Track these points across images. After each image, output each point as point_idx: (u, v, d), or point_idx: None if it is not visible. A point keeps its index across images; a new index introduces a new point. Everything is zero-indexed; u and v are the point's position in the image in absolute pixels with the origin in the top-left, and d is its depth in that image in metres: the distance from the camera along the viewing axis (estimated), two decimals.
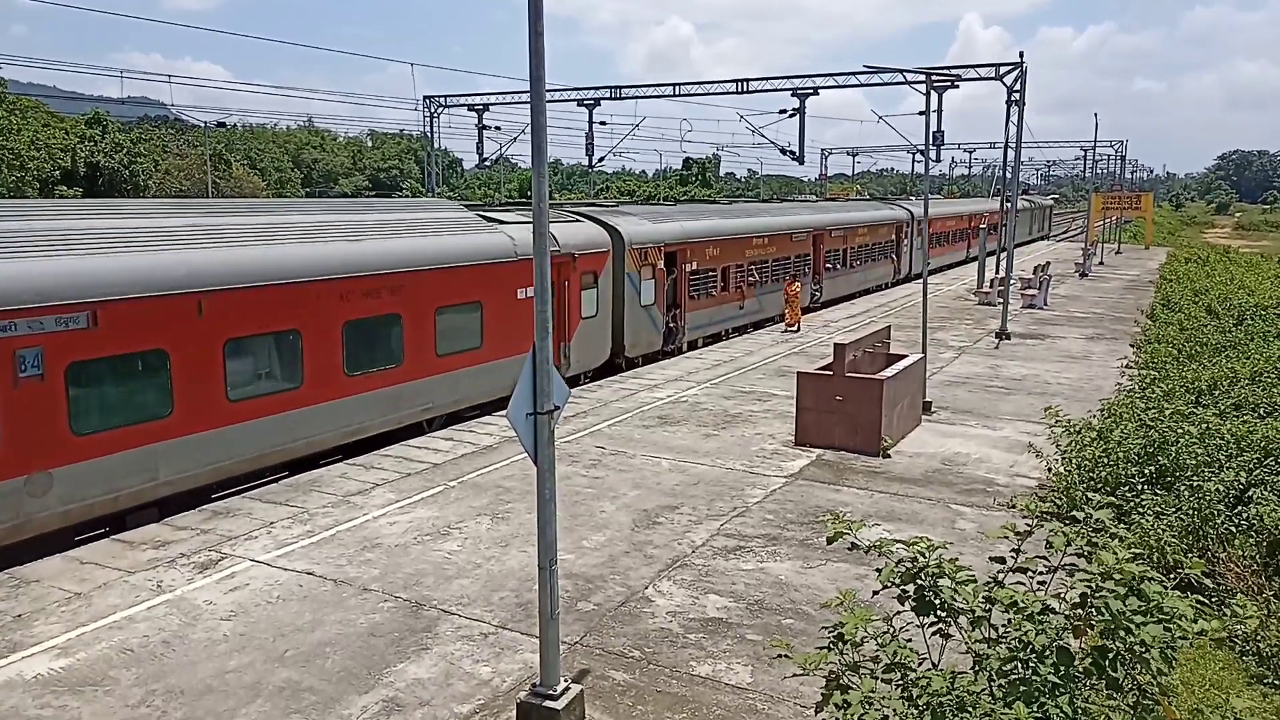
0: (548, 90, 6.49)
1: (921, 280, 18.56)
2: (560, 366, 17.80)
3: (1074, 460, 11.70)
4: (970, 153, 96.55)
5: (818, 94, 42.93)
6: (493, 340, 17.01)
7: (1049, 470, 12.31)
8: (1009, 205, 30.84)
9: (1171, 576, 6.77)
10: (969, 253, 52.79)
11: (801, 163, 46.30)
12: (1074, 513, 5.87)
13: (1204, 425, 11.72)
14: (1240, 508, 10.05)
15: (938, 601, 5.16)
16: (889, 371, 14.73)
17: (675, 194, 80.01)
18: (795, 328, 26.48)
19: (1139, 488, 10.66)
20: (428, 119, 53.24)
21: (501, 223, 17.99)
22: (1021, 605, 5.01)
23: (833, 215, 35.62)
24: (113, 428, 11.28)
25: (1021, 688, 4.78)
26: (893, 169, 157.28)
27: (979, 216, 55.77)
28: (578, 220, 20.62)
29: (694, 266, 24.58)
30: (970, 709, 4.74)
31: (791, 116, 43.23)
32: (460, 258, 16.32)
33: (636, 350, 22.13)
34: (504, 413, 7.44)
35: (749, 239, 27.97)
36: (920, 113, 18.54)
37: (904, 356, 15.99)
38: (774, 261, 29.40)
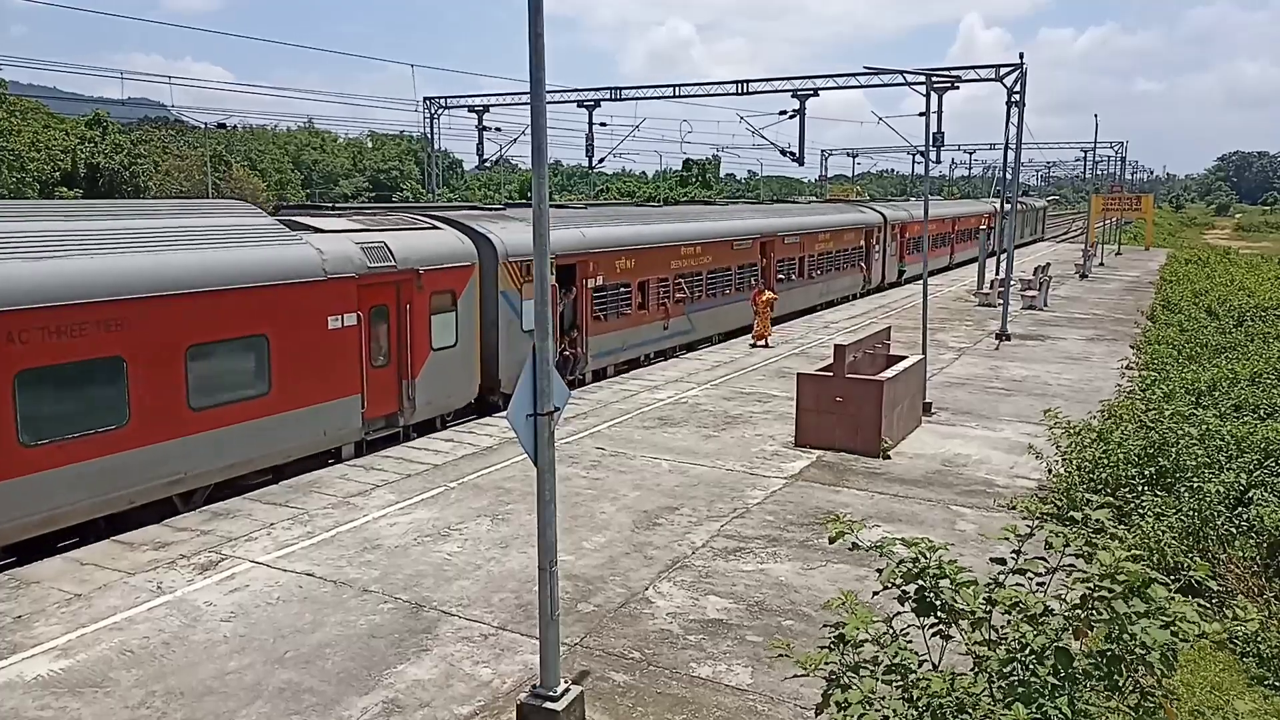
0: (548, 91, 6.50)
1: (921, 283, 18.56)
2: (401, 411, 15.28)
3: (1074, 461, 11.70)
4: (970, 154, 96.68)
5: (818, 95, 43.04)
6: (288, 384, 13.22)
7: (1049, 471, 12.31)
8: (1006, 206, 30.85)
9: (1172, 578, 6.77)
10: (951, 259, 50.54)
11: (801, 164, 46.40)
12: (1074, 514, 5.87)
13: (1204, 426, 11.72)
14: (1240, 509, 10.05)
15: (938, 603, 5.16)
16: (889, 373, 14.73)
17: (675, 195, 80.00)
18: (764, 342, 23.86)
19: (1139, 489, 10.66)
20: (428, 120, 53.33)
21: (316, 230, 14.57)
22: (1022, 606, 5.01)
23: (786, 219, 31.46)
24: None
25: (1021, 689, 4.78)
26: (893, 170, 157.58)
27: (965, 219, 54.08)
28: (433, 228, 16.81)
29: (599, 281, 20.54)
30: (970, 710, 4.74)
31: (791, 118, 43.34)
32: (232, 278, 12.43)
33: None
34: (503, 414, 7.43)
35: (675, 248, 23.96)
36: (920, 114, 18.57)
37: (904, 358, 15.99)
38: (711, 274, 25.49)
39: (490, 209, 20.59)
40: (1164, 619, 4.72)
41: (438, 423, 16.26)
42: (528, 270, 17.41)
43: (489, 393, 17.40)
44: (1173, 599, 4.85)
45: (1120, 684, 4.78)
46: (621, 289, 21.47)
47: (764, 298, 24.08)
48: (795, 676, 5.34)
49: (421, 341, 15.53)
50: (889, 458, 13.84)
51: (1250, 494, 10.24)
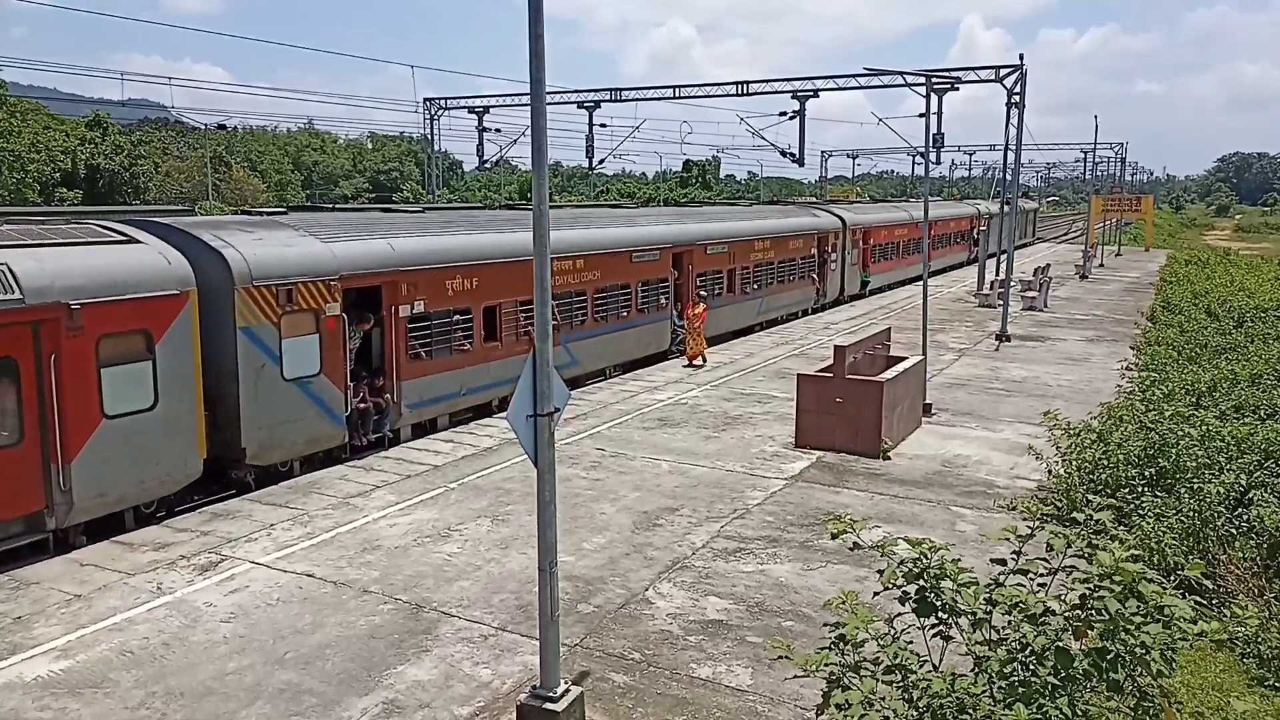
0: (548, 92, 6.50)
1: (921, 287, 18.56)
2: (49, 509, 10.66)
3: (1074, 462, 11.70)
4: (970, 155, 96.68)
5: (818, 96, 43.09)
6: None
7: (1049, 472, 12.31)
8: (1002, 207, 30.85)
9: (1172, 578, 6.77)
10: (953, 260, 48.51)
11: (801, 165, 46.47)
12: (1074, 514, 5.87)
13: (1204, 427, 11.72)
14: (1240, 510, 10.06)
15: (939, 603, 5.16)
16: (889, 373, 14.73)
17: (675, 196, 79.98)
18: (700, 361, 21.35)
19: (1139, 490, 10.65)
20: (428, 121, 53.40)
21: None
22: (1022, 606, 5.01)
23: (709, 225, 26.22)
24: None
25: (1021, 689, 4.78)
26: (893, 171, 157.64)
27: (945, 223, 50.12)
28: (121, 240, 12.01)
29: (418, 308, 15.53)
30: (970, 710, 4.74)
31: (791, 119, 43.37)
32: None
33: (279, 453, 13.29)
34: (504, 414, 7.43)
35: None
36: (920, 115, 18.56)
37: (904, 358, 15.99)
38: (601, 293, 20.57)
39: (265, 212, 15.51)
40: (1162, 618, 4.73)
41: (126, 518, 11.60)
42: (290, 296, 13.11)
43: (230, 464, 12.88)
44: (1165, 592, 4.85)
45: (1120, 684, 4.78)
46: (456, 317, 16.36)
47: (696, 311, 21.40)
48: (795, 677, 5.34)
49: (82, 406, 10.88)
50: (889, 458, 13.84)
51: (1250, 495, 10.25)
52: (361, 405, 14.78)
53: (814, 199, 63.78)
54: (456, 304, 16.41)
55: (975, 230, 53.05)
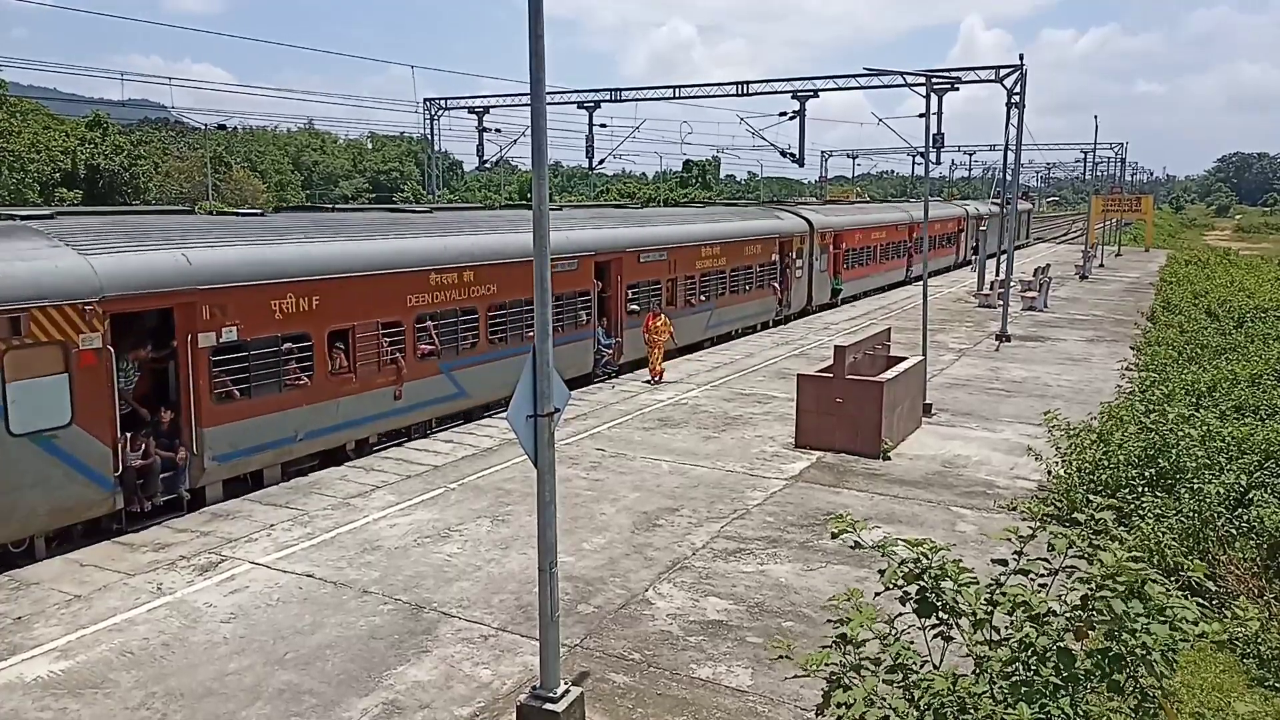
0: (548, 93, 6.50)
1: (922, 291, 18.57)
2: None
3: (1074, 463, 11.70)
4: (970, 155, 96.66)
5: (818, 96, 43.04)
6: None
7: (1049, 473, 12.31)
8: (1003, 207, 30.83)
9: (1172, 579, 6.77)
10: (909, 273, 42.62)
11: (801, 165, 46.43)
12: (1075, 515, 5.86)
13: (1204, 428, 11.72)
14: (1241, 510, 10.05)
15: (940, 603, 5.16)
16: (889, 374, 14.73)
17: (675, 196, 79.99)
18: (659, 379, 19.47)
19: (1139, 490, 10.66)
20: (428, 121, 53.39)
21: None
22: (1024, 607, 5.00)
23: (642, 230, 22.81)
24: None
25: (1023, 689, 4.78)
26: (893, 171, 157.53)
27: (945, 223, 47.88)
28: None
29: (232, 335, 12.64)
30: (972, 710, 4.74)
31: (791, 119, 43.31)
32: None
33: (7, 529, 10.50)
34: (504, 414, 7.43)
35: (417, 275, 15.59)
36: (920, 115, 18.56)
37: (904, 359, 15.99)
38: (498, 309, 17.40)
39: (21, 216, 12.33)
40: (1163, 618, 4.73)
41: None
42: (17, 326, 10.35)
43: None
44: (1169, 594, 4.85)
45: (1121, 684, 4.78)
46: (288, 345, 13.42)
47: (656, 323, 19.26)
48: (796, 677, 5.34)
49: None
50: (889, 459, 13.84)
51: (1250, 495, 10.24)
52: (143, 461, 11.73)
53: (813, 198, 63.01)
54: (287, 329, 13.33)
55: (964, 232, 51.43)
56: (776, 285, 29.19)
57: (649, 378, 19.51)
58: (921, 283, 18.44)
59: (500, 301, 17.36)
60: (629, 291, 21.73)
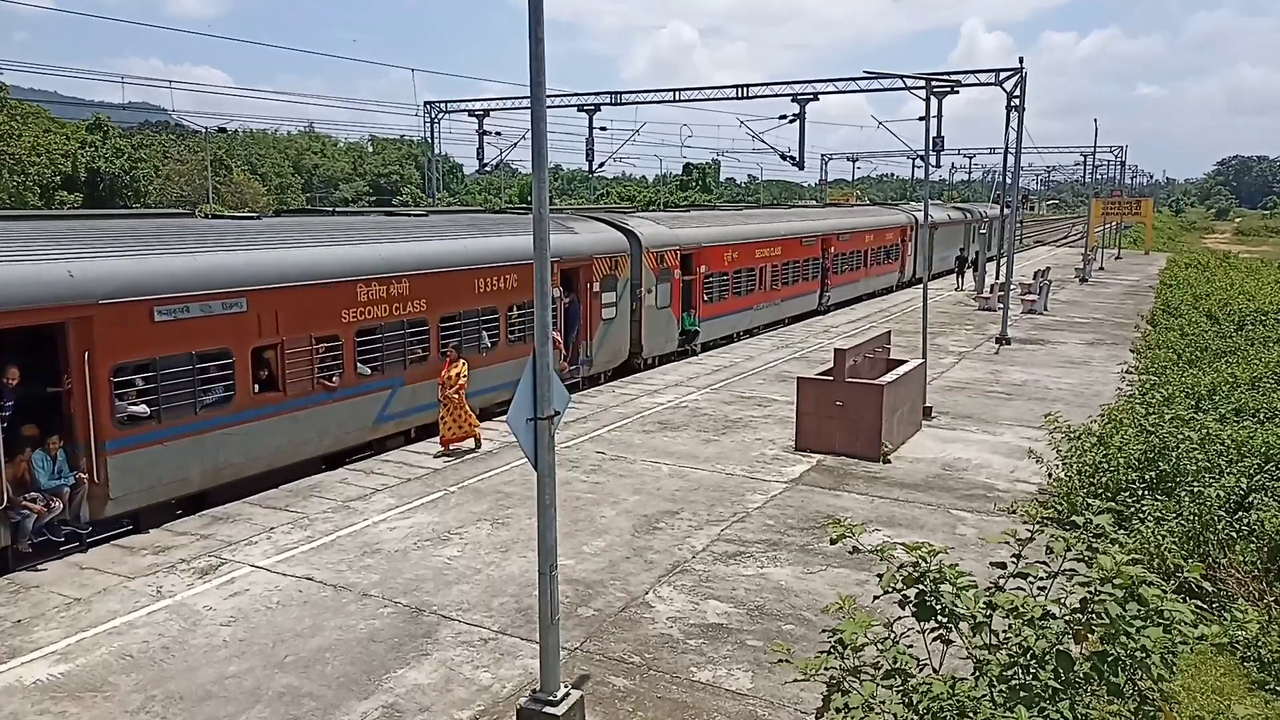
0: (548, 95, 6.51)
1: (924, 296, 18.55)
2: None
3: (1074, 466, 11.70)
4: (970, 158, 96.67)
5: (818, 99, 43.12)
6: None
7: (1049, 476, 12.31)
8: (1002, 211, 30.83)
9: (1172, 582, 6.77)
10: (823, 300, 33.42)
11: (801, 168, 46.53)
12: (1074, 518, 5.86)
13: (1204, 431, 11.73)
14: (1241, 513, 10.05)
15: (938, 607, 5.16)
16: (889, 377, 14.73)
17: (676, 199, 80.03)
18: (446, 451, 14.25)
19: (1139, 493, 10.66)
20: (428, 124, 53.42)
21: None
22: (1022, 610, 5.00)
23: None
24: None
25: (1022, 693, 4.78)
26: (893, 174, 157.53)
27: (860, 235, 36.82)
28: None
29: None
30: (971, 714, 4.74)
31: (792, 122, 43.41)
32: None
33: None
34: (504, 417, 7.43)
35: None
36: (920, 118, 18.57)
37: (904, 362, 15.99)
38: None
39: None
40: (1161, 621, 4.73)
41: None
42: None
43: None
44: (1165, 597, 4.85)
45: (1121, 688, 4.78)
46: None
47: (453, 372, 14.30)
48: (796, 681, 5.33)
49: None
50: (889, 462, 13.84)
51: (1250, 498, 10.25)
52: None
53: (814, 200, 61.47)
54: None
55: (911, 243, 42.39)
56: (559, 335, 18.80)
57: (439, 447, 14.34)
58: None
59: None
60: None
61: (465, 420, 14.42)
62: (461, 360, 14.79)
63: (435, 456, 14.14)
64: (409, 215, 20.27)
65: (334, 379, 14.11)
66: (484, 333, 17.06)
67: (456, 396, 14.28)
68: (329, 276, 14.12)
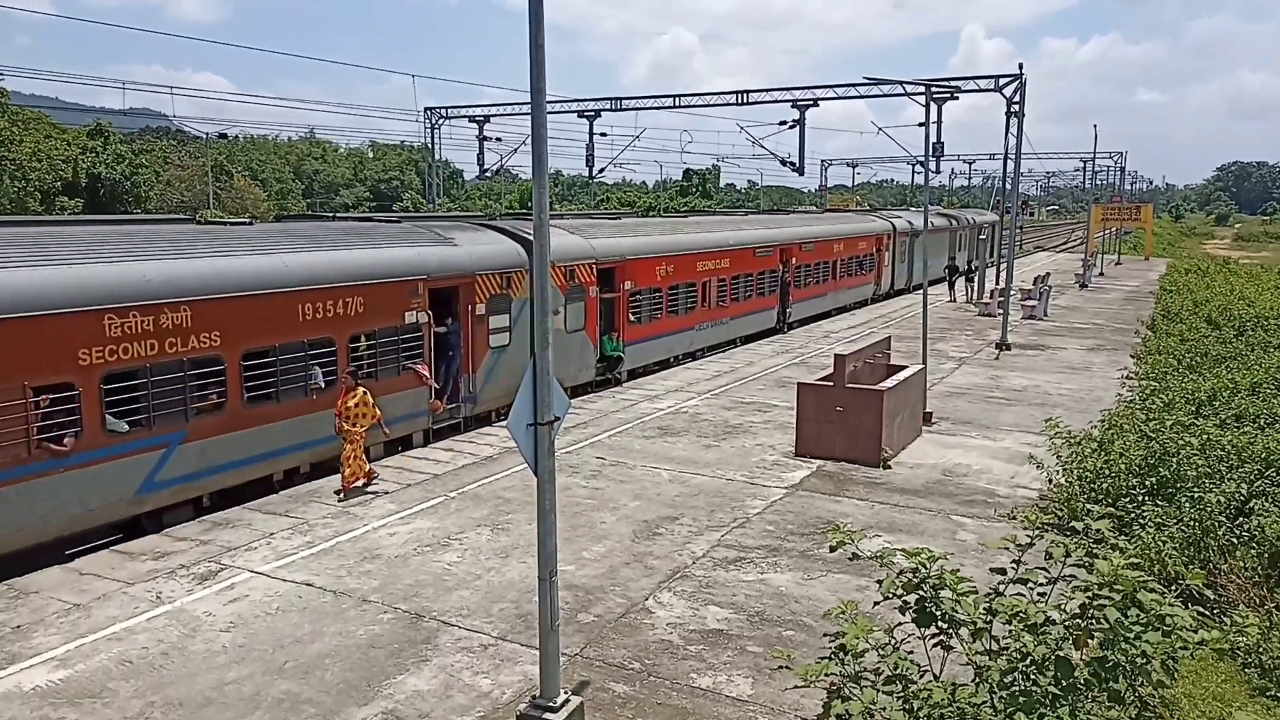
0: (548, 101, 6.52)
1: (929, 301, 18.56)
2: None
3: (1075, 471, 11.69)
4: (970, 164, 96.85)
5: (818, 105, 43.11)
6: None
7: (1050, 481, 12.30)
8: (1001, 216, 30.79)
9: (1172, 588, 6.77)
10: (782, 317, 30.31)
11: (801, 174, 46.50)
12: (1075, 524, 5.86)
13: (1205, 437, 11.73)
14: (1241, 519, 10.04)
15: (939, 613, 5.15)
16: (889, 382, 14.73)
17: (676, 205, 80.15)
18: (365, 483, 12.76)
19: (1140, 499, 10.66)
20: (429, 130, 53.43)
21: None
22: (1023, 616, 5.00)
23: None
24: None
25: (1022, 699, 4.77)
26: (893, 180, 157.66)
27: (827, 244, 33.35)
28: None
29: None
30: None
31: (791, 128, 43.40)
32: None
33: None
34: (504, 423, 7.43)
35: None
36: (920, 124, 18.60)
37: (904, 367, 15.99)
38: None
39: None
40: (1162, 627, 4.72)
41: None
42: None
43: None
44: (1164, 603, 4.84)
45: (1121, 693, 4.77)
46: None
47: (351, 402, 12.62)
48: (796, 687, 5.33)
49: None
50: (889, 467, 13.83)
51: (1251, 504, 10.24)
52: None
53: (814, 206, 61.13)
54: None
55: (887, 252, 39.32)
56: (421, 372, 15.85)
57: (342, 489, 12.55)
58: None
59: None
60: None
61: (359, 464, 12.62)
62: (360, 389, 12.75)
63: (340, 502, 12.18)
64: (225, 225, 16.52)
65: (65, 440, 10.95)
66: (315, 368, 13.94)
67: (355, 430, 12.52)
68: (54, 306, 10.78)
